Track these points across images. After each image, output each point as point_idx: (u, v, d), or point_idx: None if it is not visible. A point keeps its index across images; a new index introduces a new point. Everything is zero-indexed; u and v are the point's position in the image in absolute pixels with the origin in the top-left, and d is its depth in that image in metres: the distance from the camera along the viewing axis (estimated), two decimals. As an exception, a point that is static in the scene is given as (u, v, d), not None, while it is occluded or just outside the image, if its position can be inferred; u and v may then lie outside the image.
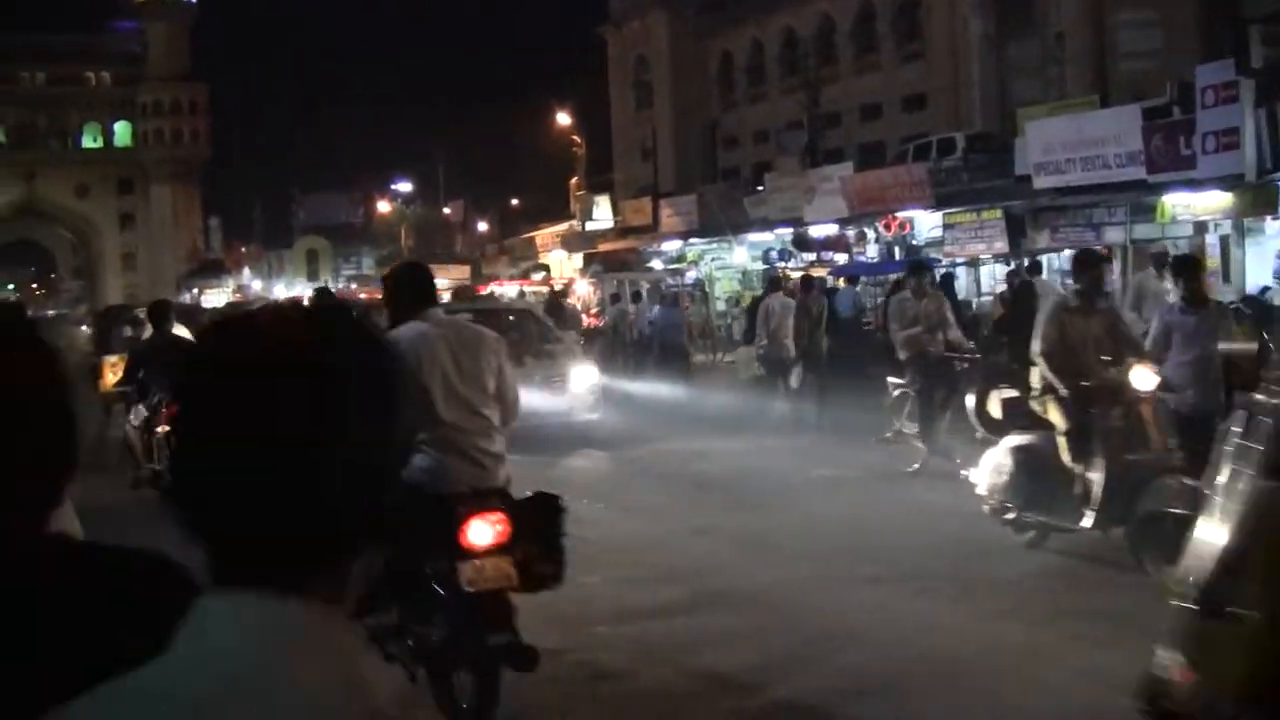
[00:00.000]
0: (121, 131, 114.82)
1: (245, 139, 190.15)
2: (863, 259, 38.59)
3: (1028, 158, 32.51)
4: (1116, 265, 31.38)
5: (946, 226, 34.71)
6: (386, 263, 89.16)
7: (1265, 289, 24.67)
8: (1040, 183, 31.53)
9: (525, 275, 60.90)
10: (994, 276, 31.78)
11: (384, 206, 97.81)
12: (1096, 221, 30.09)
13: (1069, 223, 30.72)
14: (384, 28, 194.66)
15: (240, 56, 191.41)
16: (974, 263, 34.14)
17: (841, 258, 39.89)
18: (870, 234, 38.98)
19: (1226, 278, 28.32)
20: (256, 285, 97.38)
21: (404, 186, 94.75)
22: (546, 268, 61.41)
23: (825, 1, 54.50)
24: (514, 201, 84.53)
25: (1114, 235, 29.99)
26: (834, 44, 54.50)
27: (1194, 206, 27.74)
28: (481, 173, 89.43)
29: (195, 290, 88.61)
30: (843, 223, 39.57)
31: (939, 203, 35.11)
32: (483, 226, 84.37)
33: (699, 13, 62.89)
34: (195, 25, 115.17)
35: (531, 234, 70.26)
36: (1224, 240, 28.68)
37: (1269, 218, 27.03)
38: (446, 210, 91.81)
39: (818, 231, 40.78)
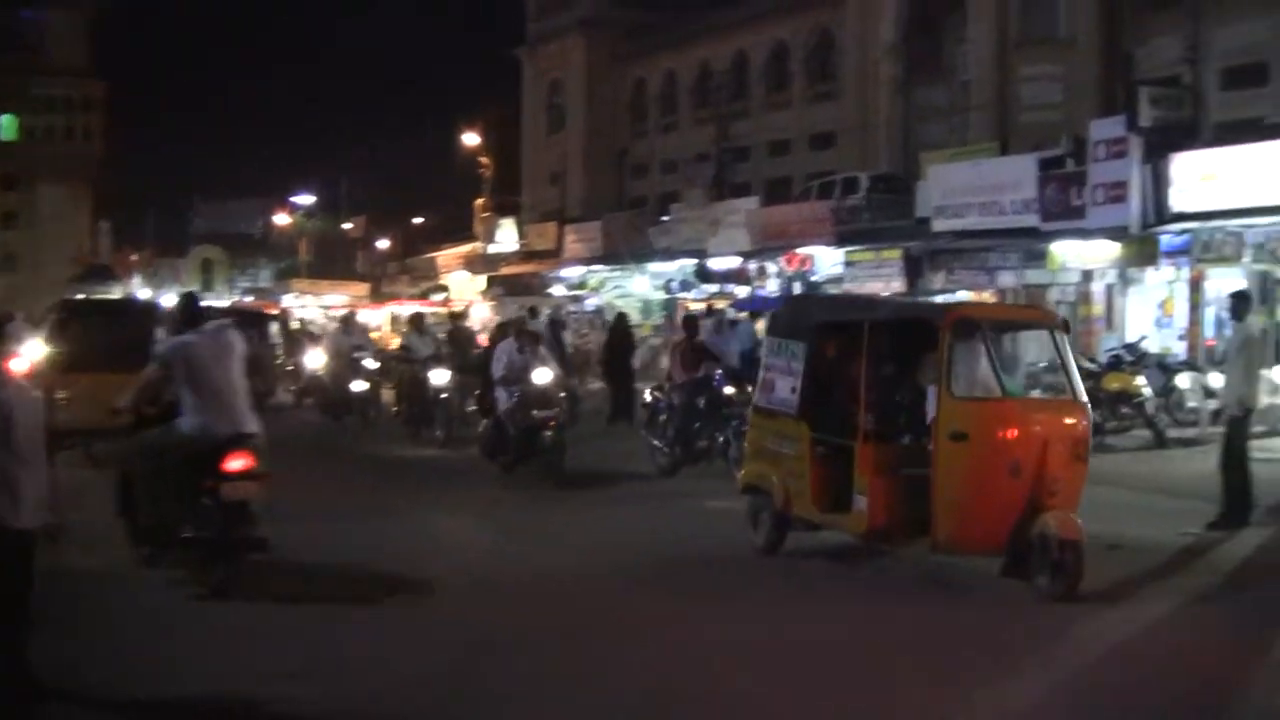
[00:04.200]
0: (8, 124, 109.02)
1: (143, 142, 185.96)
2: (762, 293, 39.02)
3: (929, 200, 33.45)
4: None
5: (847, 264, 35.49)
6: (285, 276, 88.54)
7: (1143, 337, 25.60)
8: (939, 225, 32.46)
9: (425, 295, 60.72)
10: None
11: (284, 219, 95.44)
12: (991, 265, 31.04)
13: (964, 265, 31.62)
14: (295, 40, 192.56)
15: (146, 59, 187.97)
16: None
17: (742, 291, 40.38)
18: (772, 268, 39.47)
19: (1111, 324, 29.44)
20: (146, 294, 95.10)
21: (305, 199, 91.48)
22: (446, 289, 61.30)
23: (741, 37, 55.13)
24: (417, 220, 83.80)
25: (1007, 279, 30.98)
26: (747, 79, 55.10)
27: (1083, 255, 28.79)
28: (386, 189, 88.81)
29: (81, 296, 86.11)
30: (745, 256, 40.12)
31: (840, 240, 35.87)
32: (384, 244, 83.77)
33: (616, 40, 63.16)
34: (101, 22, 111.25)
35: (434, 254, 69.89)
36: (1109, 289, 29.75)
37: (1151, 269, 28.12)
38: (348, 226, 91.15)
39: (719, 264, 41.29)
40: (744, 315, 31.39)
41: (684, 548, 12.95)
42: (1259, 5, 33.62)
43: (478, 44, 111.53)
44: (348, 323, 30.41)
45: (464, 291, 59.44)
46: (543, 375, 17.96)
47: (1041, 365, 18.38)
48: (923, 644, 9.34)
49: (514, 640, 9.26)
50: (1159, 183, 27.07)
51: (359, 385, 25.61)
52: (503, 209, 63.54)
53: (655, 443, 18.75)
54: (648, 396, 20.17)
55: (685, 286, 43.64)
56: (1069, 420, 10.80)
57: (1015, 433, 10.47)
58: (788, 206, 40.50)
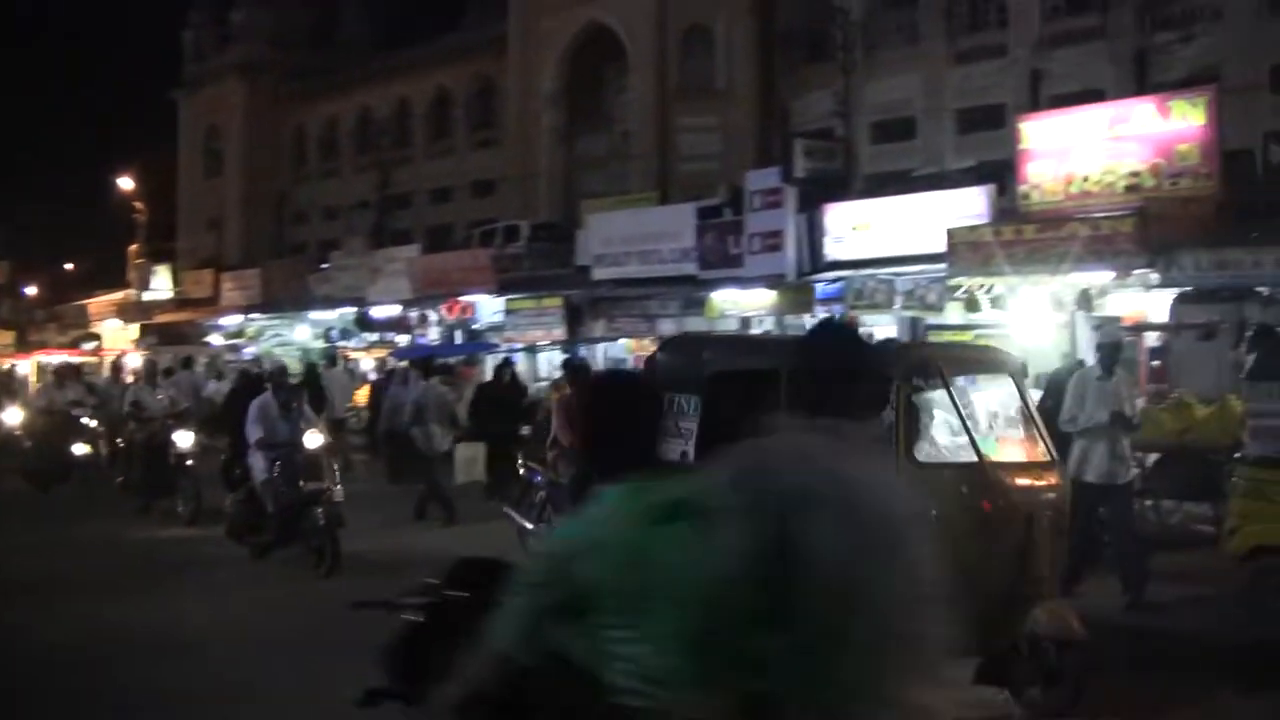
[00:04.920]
0: None
1: None
2: (423, 341, 38.58)
3: (589, 248, 33.50)
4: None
5: (508, 312, 35.21)
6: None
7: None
8: (600, 273, 32.55)
9: (75, 344, 57.99)
10: (550, 363, 32.42)
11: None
12: (651, 313, 31.21)
13: (624, 313, 31.72)
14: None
15: None
16: (531, 349, 34.77)
17: (403, 339, 39.88)
18: (433, 316, 39.01)
19: (767, 371, 29.76)
20: None
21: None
22: (99, 337, 58.75)
23: (403, 84, 54.55)
24: (68, 266, 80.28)
25: (667, 327, 31.08)
26: (409, 126, 54.60)
27: (740, 303, 29.16)
28: (33, 235, 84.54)
29: None
30: (406, 304, 39.54)
31: (502, 288, 35.56)
32: (32, 290, 79.90)
33: (276, 84, 61.83)
34: None
35: (85, 301, 67.03)
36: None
37: (806, 315, 28.61)
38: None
39: (380, 312, 40.61)
40: (403, 364, 30.67)
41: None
42: (906, 63, 35.03)
43: (132, 85, 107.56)
44: (63, 374, 25.57)
45: (117, 340, 56.98)
46: (312, 439, 14.85)
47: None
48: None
49: None
50: (814, 232, 27.65)
51: (80, 448, 21.92)
52: (158, 255, 61.19)
53: (528, 525, 14.53)
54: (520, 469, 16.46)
55: (346, 335, 42.76)
56: (1049, 485, 8.99)
57: (995, 504, 8.52)
58: (449, 254, 40.06)
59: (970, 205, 24.45)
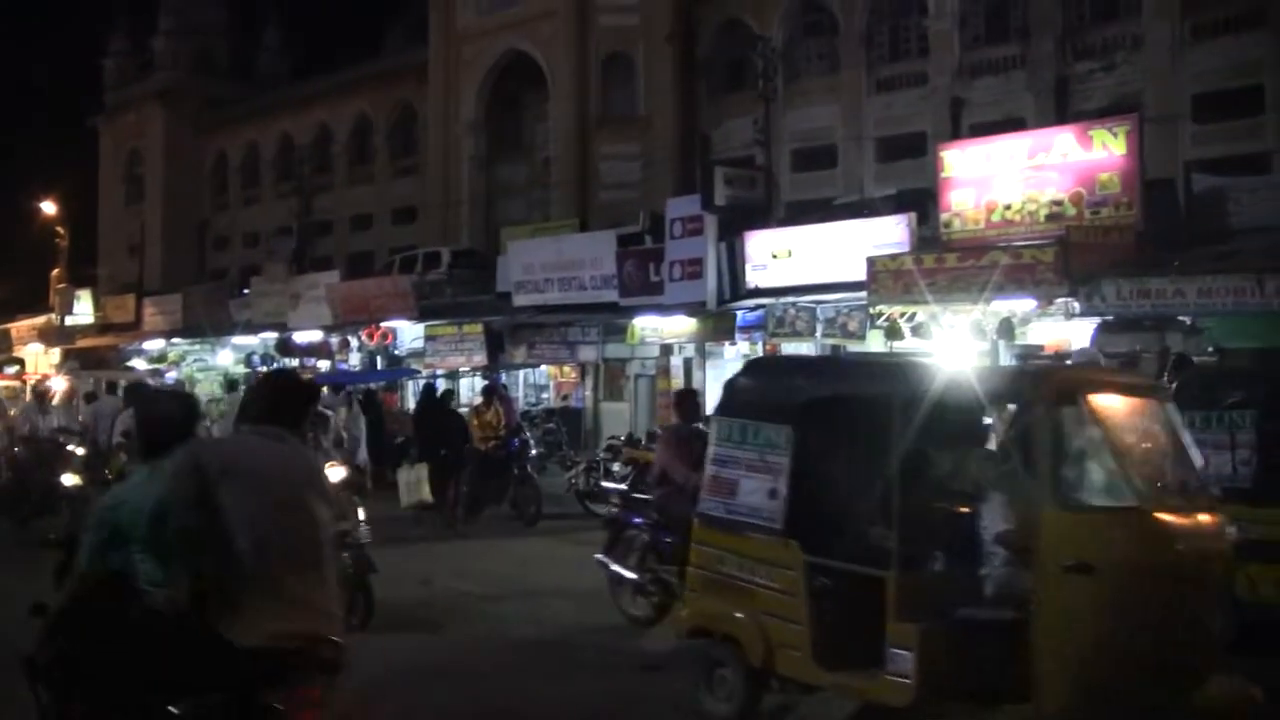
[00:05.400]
0: None
1: None
2: (344, 367, 38.25)
3: (510, 275, 33.26)
4: (589, 381, 32.56)
5: (429, 338, 34.85)
6: None
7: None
8: (520, 300, 32.33)
9: (-2, 369, 57.31)
10: (472, 389, 32.08)
11: None
12: (571, 339, 30.94)
13: (545, 339, 31.46)
14: None
15: None
16: (453, 375, 34.44)
17: (324, 364, 39.51)
18: (354, 342, 38.68)
19: (689, 399, 29.62)
20: None
21: None
22: (21, 361, 58.04)
23: (323, 110, 54.17)
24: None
25: (588, 354, 30.99)
26: (330, 153, 54.19)
27: (661, 330, 28.97)
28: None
29: None
30: (327, 330, 39.15)
31: (422, 314, 35.23)
32: (-49, 314, 78.80)
33: (197, 111, 61.41)
34: None
35: (7, 325, 66.31)
36: (688, 362, 30.07)
37: (728, 343, 28.49)
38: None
39: (302, 337, 40.18)
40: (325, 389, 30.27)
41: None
42: (826, 91, 35.09)
43: (54, 111, 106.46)
44: (43, 396, 22.53)
45: (39, 365, 56.35)
46: (334, 474, 11.82)
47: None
48: None
49: None
50: (734, 260, 27.56)
51: (70, 479, 18.37)
52: (79, 280, 60.61)
53: (629, 575, 12.57)
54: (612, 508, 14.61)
55: (267, 360, 42.26)
56: (1218, 534, 7.57)
57: (1165, 558, 7.17)
58: (369, 281, 39.64)
59: (891, 233, 24.42)
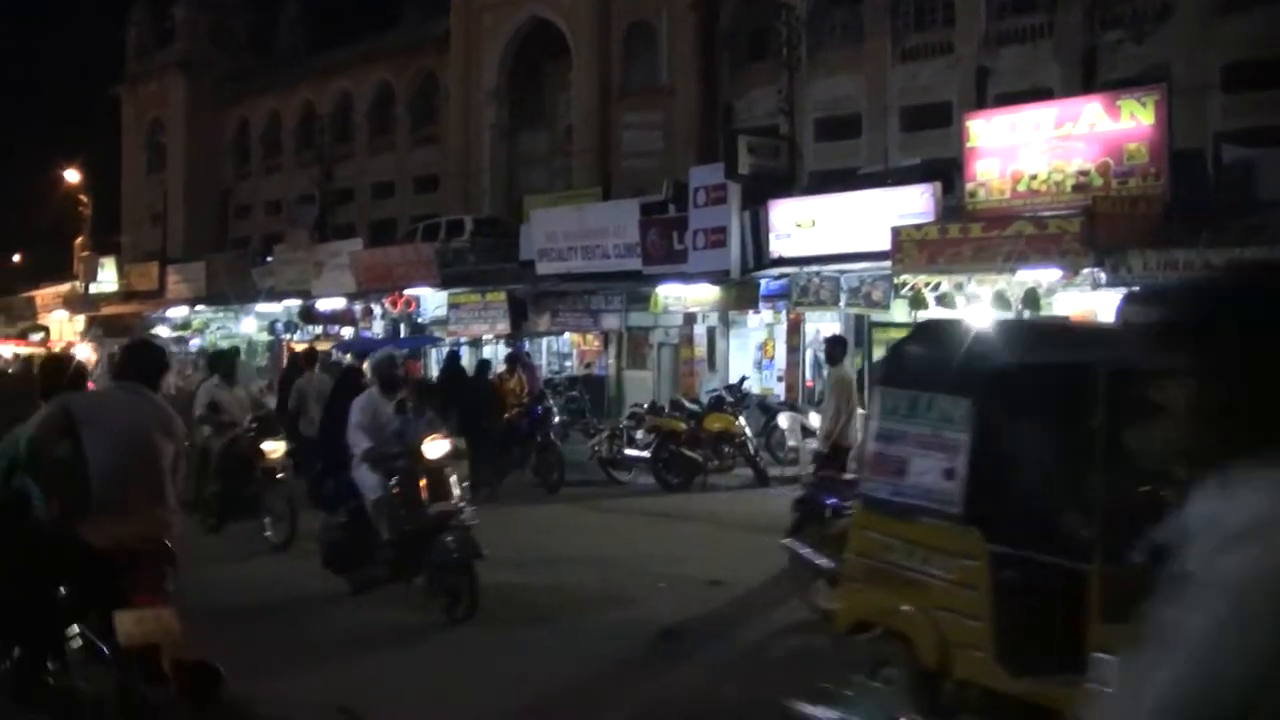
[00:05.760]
0: None
1: None
2: (368, 334, 38.38)
3: (533, 243, 33.24)
4: (612, 349, 32.57)
5: (452, 306, 34.94)
6: None
7: (744, 379, 25.91)
8: (543, 268, 32.30)
9: (24, 335, 57.55)
10: (496, 356, 32.20)
11: None
12: (595, 308, 31.01)
13: (568, 308, 31.52)
14: None
15: None
16: (476, 342, 34.49)
17: (348, 332, 39.70)
18: (377, 310, 38.82)
19: (712, 366, 29.73)
20: None
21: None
22: (46, 329, 58.34)
23: (345, 80, 54.18)
24: (15, 258, 79.78)
25: (611, 322, 31.03)
26: (351, 122, 54.23)
27: (685, 298, 28.96)
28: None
29: None
30: (350, 298, 39.25)
31: (445, 282, 35.29)
32: (-23, 282, 79.16)
33: (219, 80, 61.49)
34: None
35: (32, 293, 66.65)
36: (711, 331, 30.08)
37: (751, 312, 28.48)
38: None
39: (325, 305, 40.30)
40: (347, 357, 30.36)
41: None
42: (851, 61, 34.91)
43: (77, 80, 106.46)
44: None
45: (64, 332, 56.63)
46: (435, 447, 11.50)
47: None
48: None
49: None
50: (758, 229, 27.49)
51: None
52: (103, 248, 60.94)
53: (823, 563, 10.38)
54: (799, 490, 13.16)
55: (291, 328, 42.45)
56: None
57: None
58: (392, 249, 39.67)
59: (916, 203, 24.30)
